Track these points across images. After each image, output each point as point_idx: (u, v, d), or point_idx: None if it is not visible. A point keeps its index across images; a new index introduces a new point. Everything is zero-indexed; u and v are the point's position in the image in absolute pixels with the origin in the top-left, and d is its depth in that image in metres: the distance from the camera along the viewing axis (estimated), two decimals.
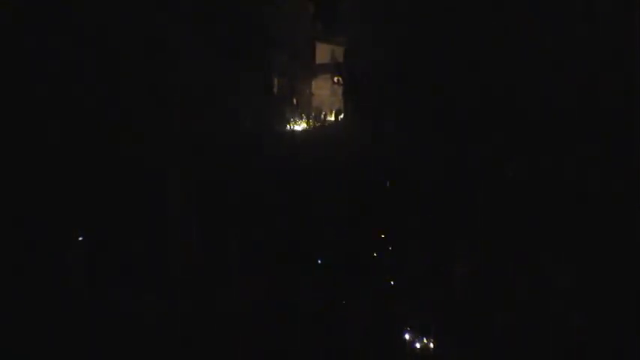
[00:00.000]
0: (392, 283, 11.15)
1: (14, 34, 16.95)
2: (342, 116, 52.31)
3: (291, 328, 8.11)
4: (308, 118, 55.40)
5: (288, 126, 44.56)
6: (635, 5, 10.55)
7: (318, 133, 42.66)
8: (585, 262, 10.18)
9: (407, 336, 8.67)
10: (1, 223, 11.32)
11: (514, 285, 9.63)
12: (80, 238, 9.72)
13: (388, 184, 18.34)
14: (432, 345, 9.95)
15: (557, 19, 13.06)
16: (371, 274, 11.42)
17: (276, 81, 39.82)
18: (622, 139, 10.73)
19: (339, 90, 45.05)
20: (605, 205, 11.01)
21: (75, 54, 18.98)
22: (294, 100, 47.75)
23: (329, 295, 10.29)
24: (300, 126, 48.38)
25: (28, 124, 16.95)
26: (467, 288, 9.88)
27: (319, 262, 11.88)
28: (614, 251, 10.15)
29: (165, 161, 15.05)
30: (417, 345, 9.89)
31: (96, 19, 19.85)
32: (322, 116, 58.35)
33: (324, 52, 63.62)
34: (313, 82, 63.50)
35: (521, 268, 10.19)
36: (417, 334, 9.15)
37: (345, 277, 11.89)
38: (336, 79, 44.82)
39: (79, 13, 19.41)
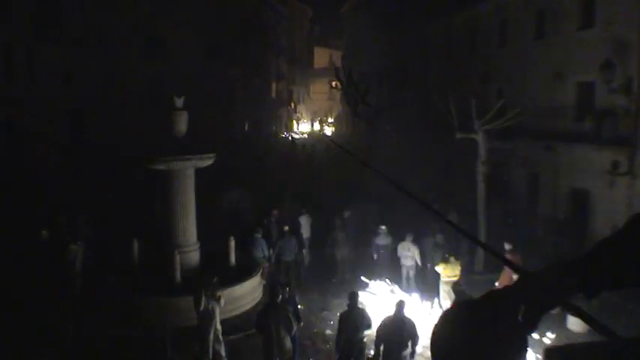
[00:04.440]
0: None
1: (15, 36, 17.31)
2: (339, 119, 52.28)
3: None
4: (306, 122, 55.32)
5: (285, 129, 44.76)
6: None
7: (316, 135, 42.83)
8: None
9: None
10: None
11: None
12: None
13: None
14: None
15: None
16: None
17: (274, 85, 40.14)
18: None
19: (337, 94, 45.25)
20: None
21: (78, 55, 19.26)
22: (292, 104, 47.92)
23: None
24: (298, 129, 48.42)
25: (30, 125, 17.28)
26: None
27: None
28: None
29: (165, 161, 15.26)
30: None
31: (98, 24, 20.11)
32: (320, 119, 58.13)
33: (322, 57, 63.54)
34: (311, 87, 63.45)
35: None
36: None
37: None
38: (334, 83, 45.08)
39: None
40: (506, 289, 1.13)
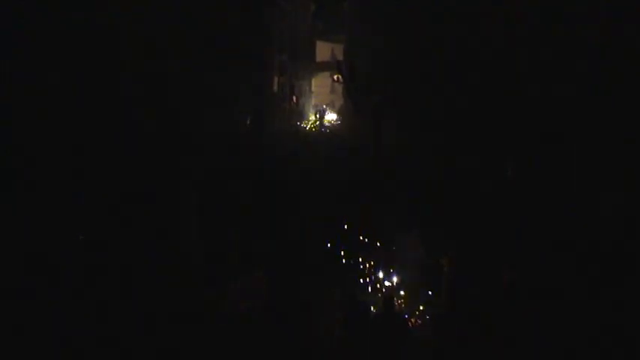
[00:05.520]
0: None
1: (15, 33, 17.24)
2: (341, 113, 51.95)
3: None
4: (308, 116, 55.03)
5: (288, 123, 44.53)
6: None
7: (318, 129, 42.74)
8: None
9: None
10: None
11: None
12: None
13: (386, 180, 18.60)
14: None
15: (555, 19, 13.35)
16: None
17: (276, 79, 39.98)
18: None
19: (339, 88, 44.98)
20: None
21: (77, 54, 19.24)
22: (294, 98, 47.69)
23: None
24: (300, 123, 48.07)
25: (28, 123, 17.29)
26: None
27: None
28: None
29: (166, 160, 15.31)
30: None
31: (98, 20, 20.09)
32: (322, 113, 57.84)
33: (324, 51, 63.20)
34: (313, 80, 63.06)
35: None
36: None
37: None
38: (335, 77, 44.82)
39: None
40: None
